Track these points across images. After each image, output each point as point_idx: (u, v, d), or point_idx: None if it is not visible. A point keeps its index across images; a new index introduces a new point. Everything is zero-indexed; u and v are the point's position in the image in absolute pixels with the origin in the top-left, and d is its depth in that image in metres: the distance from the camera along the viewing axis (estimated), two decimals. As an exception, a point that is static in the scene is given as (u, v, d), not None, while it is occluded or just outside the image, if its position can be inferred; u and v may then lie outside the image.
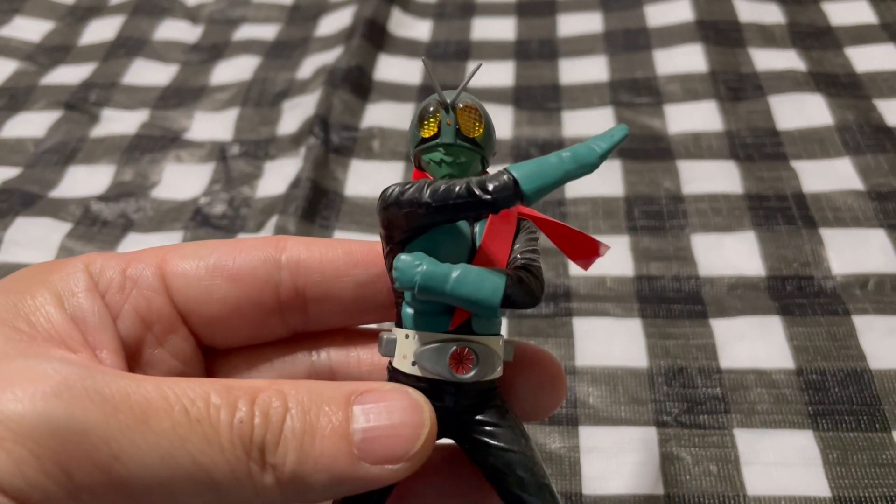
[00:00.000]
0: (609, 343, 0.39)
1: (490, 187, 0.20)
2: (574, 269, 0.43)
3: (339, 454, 0.20)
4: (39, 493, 0.18)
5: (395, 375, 0.23)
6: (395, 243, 0.22)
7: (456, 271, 0.20)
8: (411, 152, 0.24)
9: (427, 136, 0.23)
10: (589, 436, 0.36)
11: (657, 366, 0.38)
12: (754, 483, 0.33)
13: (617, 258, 0.43)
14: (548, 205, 0.47)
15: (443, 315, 0.22)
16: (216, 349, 0.26)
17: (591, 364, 0.38)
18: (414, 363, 0.22)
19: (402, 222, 0.21)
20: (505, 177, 0.20)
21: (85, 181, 0.51)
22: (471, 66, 0.59)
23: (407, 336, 0.22)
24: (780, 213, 0.44)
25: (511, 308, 0.21)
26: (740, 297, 0.41)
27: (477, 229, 0.23)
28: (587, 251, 0.24)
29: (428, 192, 0.20)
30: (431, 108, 0.23)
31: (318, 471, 0.20)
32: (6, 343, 0.20)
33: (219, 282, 0.25)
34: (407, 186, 0.21)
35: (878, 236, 0.43)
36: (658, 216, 0.45)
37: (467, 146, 0.22)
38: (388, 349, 0.23)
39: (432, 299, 0.21)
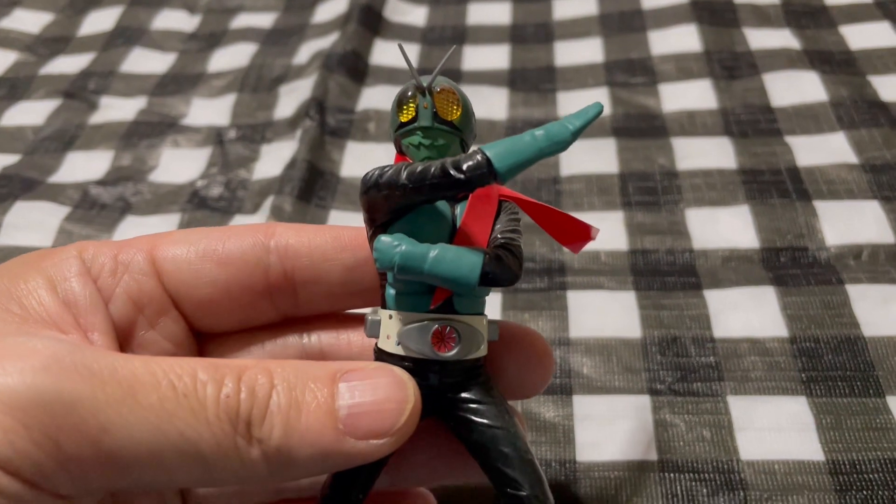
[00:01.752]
0: (603, 315, 0.39)
1: (464, 166, 0.20)
2: (568, 243, 0.43)
3: (325, 429, 0.20)
4: (29, 463, 0.18)
5: (380, 356, 0.23)
6: (377, 226, 0.22)
7: (434, 251, 0.21)
8: (392, 137, 0.24)
9: (405, 120, 0.23)
10: (583, 404, 0.36)
11: (651, 336, 0.38)
12: (747, 448, 0.33)
13: (611, 233, 0.43)
14: (542, 183, 0.47)
15: (425, 295, 0.22)
16: (208, 333, 0.27)
17: (585, 335, 0.38)
18: (398, 343, 0.22)
19: (383, 204, 0.22)
20: (479, 156, 0.20)
21: (83, 166, 0.51)
22: (468, 50, 0.59)
23: (390, 317, 0.23)
24: (774, 186, 0.45)
25: (489, 286, 0.21)
26: (734, 268, 0.41)
27: (458, 211, 0.23)
28: (577, 235, 0.24)
29: (405, 173, 0.21)
30: (409, 93, 0.23)
31: (304, 445, 0.20)
32: None
33: (209, 265, 0.25)
34: (385, 169, 0.21)
35: (873, 208, 0.43)
36: (652, 192, 0.45)
37: (445, 129, 0.23)
38: (373, 330, 0.23)
39: (412, 279, 0.21)
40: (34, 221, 0.46)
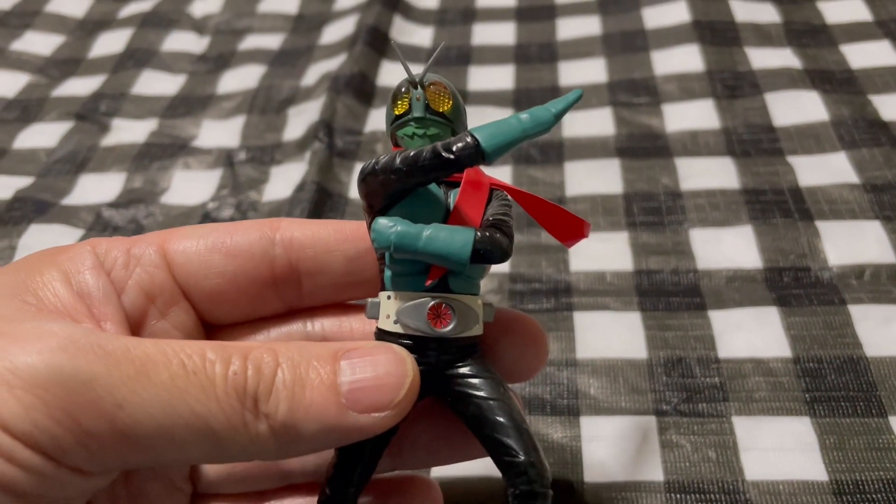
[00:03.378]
0: (609, 336, 0.40)
1: (454, 147, 0.22)
2: (574, 264, 0.44)
3: (328, 404, 0.21)
4: (48, 437, 0.19)
5: (381, 335, 0.24)
6: (375, 212, 0.24)
7: (428, 230, 0.22)
8: (388, 131, 0.25)
9: (399, 112, 0.24)
10: (590, 425, 0.36)
11: (656, 357, 0.39)
12: (753, 468, 0.34)
13: (616, 254, 0.44)
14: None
15: (421, 275, 0.23)
16: (216, 324, 0.28)
17: (592, 356, 0.39)
18: (396, 321, 0.24)
19: (380, 189, 0.23)
20: (468, 138, 0.21)
21: (96, 189, 0.52)
22: (472, 70, 0.60)
23: (389, 297, 0.24)
24: (776, 206, 0.45)
25: (481, 262, 0.22)
26: (738, 289, 0.41)
27: (451, 197, 0.24)
28: (571, 231, 0.25)
29: (399, 158, 0.22)
30: (403, 88, 0.25)
31: (309, 419, 0.21)
32: (15, 312, 0.22)
33: (217, 257, 0.26)
34: (381, 157, 0.23)
35: (874, 228, 0.43)
36: (657, 212, 0.46)
37: (437, 119, 0.24)
38: (373, 311, 0.24)
39: (408, 257, 0.23)
40: (49, 244, 0.46)
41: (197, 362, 0.20)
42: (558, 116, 0.22)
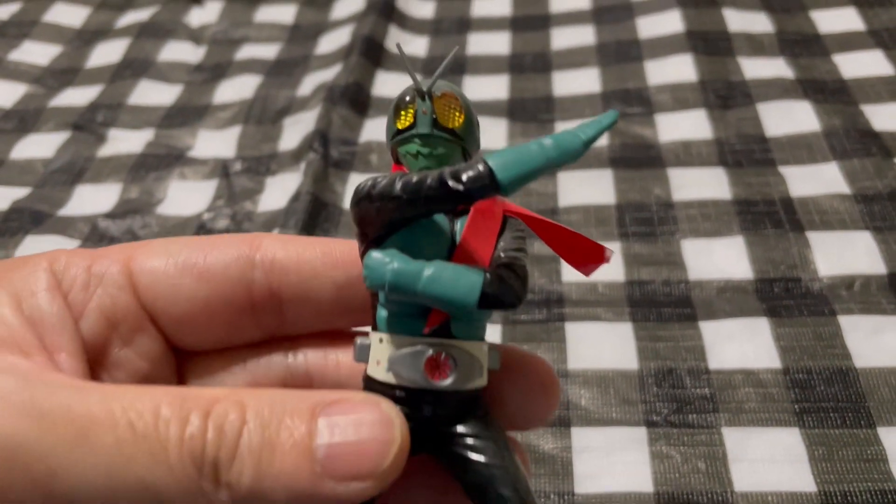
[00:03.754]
0: (600, 346, 0.40)
1: (463, 177, 0.18)
2: (567, 275, 0.44)
3: (301, 471, 0.18)
4: None
5: (369, 383, 0.21)
6: (369, 241, 0.21)
7: (429, 269, 0.19)
8: (388, 144, 0.22)
9: (402, 126, 0.21)
10: (581, 436, 0.37)
11: (647, 367, 0.39)
12: (742, 479, 0.34)
13: (609, 264, 0.44)
14: (540, 213, 0.48)
15: (419, 317, 0.20)
16: (188, 351, 0.25)
17: (583, 367, 0.39)
18: (388, 369, 0.21)
19: (375, 218, 0.20)
20: (480, 166, 0.18)
21: (92, 199, 0.52)
22: (468, 81, 0.60)
23: (381, 340, 0.21)
24: (767, 217, 0.46)
25: (490, 308, 0.20)
26: (729, 299, 0.42)
27: (458, 226, 0.21)
28: (590, 256, 0.22)
29: (399, 184, 0.19)
30: (407, 98, 0.21)
31: (278, 489, 0.18)
32: None
33: (188, 280, 0.24)
34: (379, 180, 0.20)
35: (864, 238, 0.44)
36: (649, 222, 0.46)
37: (445, 136, 0.21)
38: (362, 355, 0.22)
39: (405, 299, 0.20)
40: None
41: (148, 422, 0.18)
42: (588, 144, 0.19)
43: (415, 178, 0.19)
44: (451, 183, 0.19)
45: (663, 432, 0.36)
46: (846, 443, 0.35)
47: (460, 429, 0.21)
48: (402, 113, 0.21)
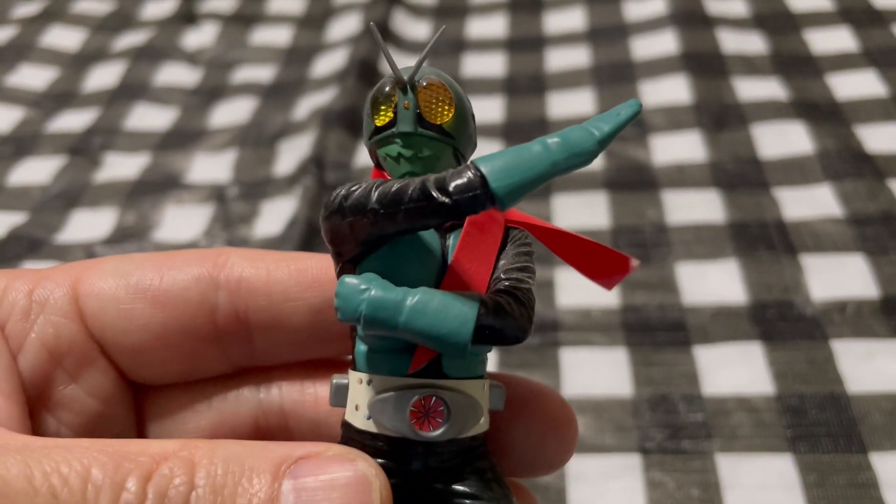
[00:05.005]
0: (595, 373, 0.40)
1: (450, 187, 0.16)
2: (561, 299, 0.44)
3: None
4: None
5: (348, 432, 0.18)
6: (344, 262, 0.18)
7: (413, 297, 0.16)
8: (366, 144, 0.19)
9: (381, 124, 0.18)
10: (575, 464, 0.37)
11: (641, 394, 0.39)
12: (735, 507, 0.34)
13: (603, 289, 0.44)
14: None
15: (405, 353, 0.17)
16: (147, 384, 0.23)
17: (578, 393, 0.39)
18: (368, 416, 0.17)
19: (348, 235, 0.17)
20: (470, 173, 0.16)
21: (89, 225, 0.53)
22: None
23: (360, 381, 0.18)
24: (761, 240, 0.46)
25: (487, 344, 0.17)
26: (723, 324, 0.42)
27: (450, 242, 0.18)
28: (611, 268, 0.20)
29: (376, 195, 0.16)
30: (386, 89, 0.18)
31: None
32: None
33: (141, 305, 0.21)
34: (353, 188, 0.17)
35: (857, 262, 0.44)
36: (643, 246, 0.47)
37: (432, 135, 0.18)
38: (339, 398, 0.19)
39: (385, 335, 0.17)
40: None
41: (75, 488, 0.15)
42: (605, 143, 0.16)
43: (394, 188, 0.16)
44: (435, 194, 0.16)
45: (657, 459, 0.36)
46: (838, 469, 0.35)
47: (457, 487, 0.18)
48: (382, 108, 0.18)
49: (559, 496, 0.36)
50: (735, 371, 0.39)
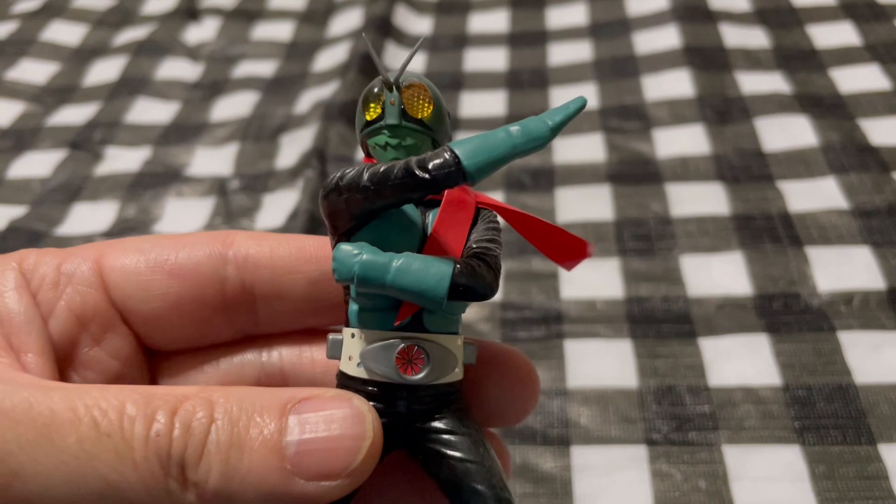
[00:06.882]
0: (600, 364, 0.40)
1: (429, 165, 0.19)
2: (565, 291, 0.44)
3: (270, 469, 0.18)
4: None
5: (342, 380, 0.21)
6: (340, 234, 0.21)
7: (398, 260, 0.19)
8: (358, 137, 0.23)
9: (371, 118, 0.22)
10: (580, 455, 0.36)
11: (647, 385, 0.39)
12: (742, 498, 0.34)
13: (607, 281, 0.44)
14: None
15: (391, 311, 0.20)
16: (160, 350, 0.25)
17: (583, 385, 0.39)
18: (360, 364, 0.21)
19: (344, 210, 0.20)
20: (446, 154, 0.19)
21: (89, 218, 0.52)
22: (465, 97, 0.60)
23: (353, 335, 0.21)
24: (766, 232, 0.45)
25: (460, 300, 0.20)
26: (728, 316, 0.42)
27: (430, 219, 0.22)
28: (570, 251, 0.22)
29: (367, 174, 0.19)
30: (376, 89, 0.21)
31: (247, 488, 0.18)
32: None
33: (159, 277, 0.23)
34: (347, 171, 0.20)
35: (863, 253, 0.43)
36: (647, 239, 0.46)
37: (414, 127, 0.21)
38: (334, 351, 0.22)
39: (374, 292, 0.20)
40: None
41: (113, 420, 0.18)
42: (556, 130, 0.19)
43: (382, 168, 0.19)
44: (417, 171, 0.19)
45: (663, 451, 0.36)
46: (847, 460, 0.35)
47: (435, 424, 0.21)
48: (371, 105, 0.21)
49: (565, 488, 0.35)
50: (741, 363, 0.39)
